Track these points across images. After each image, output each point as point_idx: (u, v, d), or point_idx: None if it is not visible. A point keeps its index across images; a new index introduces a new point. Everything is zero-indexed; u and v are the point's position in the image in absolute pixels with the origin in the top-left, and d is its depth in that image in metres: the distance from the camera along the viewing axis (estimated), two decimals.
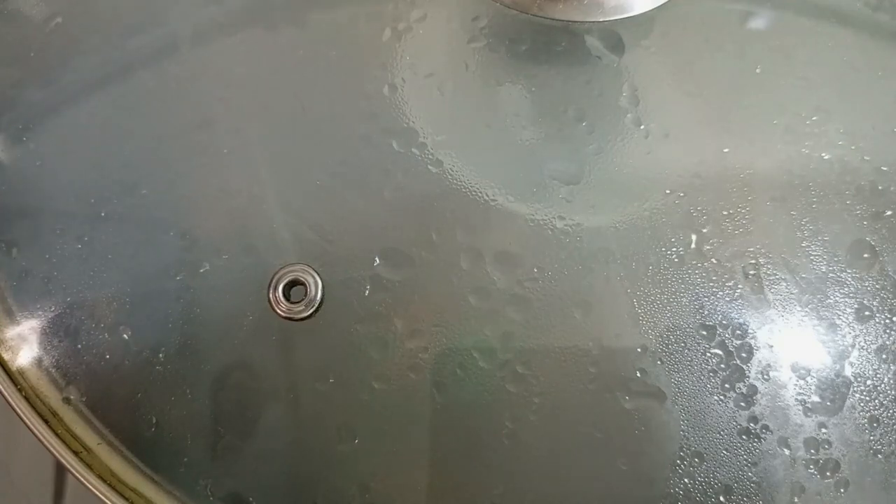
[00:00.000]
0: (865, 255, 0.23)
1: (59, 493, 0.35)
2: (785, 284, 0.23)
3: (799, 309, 0.23)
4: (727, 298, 0.23)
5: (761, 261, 0.23)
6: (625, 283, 0.23)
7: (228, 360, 0.23)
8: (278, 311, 0.22)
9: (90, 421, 0.23)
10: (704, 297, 0.23)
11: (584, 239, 0.23)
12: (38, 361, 0.23)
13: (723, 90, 0.25)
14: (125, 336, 0.23)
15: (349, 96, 0.24)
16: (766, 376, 0.22)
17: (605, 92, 0.24)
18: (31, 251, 0.24)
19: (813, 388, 0.22)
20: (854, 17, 0.26)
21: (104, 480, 0.23)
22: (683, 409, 0.22)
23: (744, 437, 0.22)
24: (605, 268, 0.23)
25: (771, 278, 0.23)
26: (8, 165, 0.25)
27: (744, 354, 0.22)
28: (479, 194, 0.23)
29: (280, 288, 0.22)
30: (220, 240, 0.23)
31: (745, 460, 0.22)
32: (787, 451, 0.22)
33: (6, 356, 0.24)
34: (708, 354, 0.22)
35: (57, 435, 0.23)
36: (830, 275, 0.23)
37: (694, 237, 0.23)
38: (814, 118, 0.24)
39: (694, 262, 0.23)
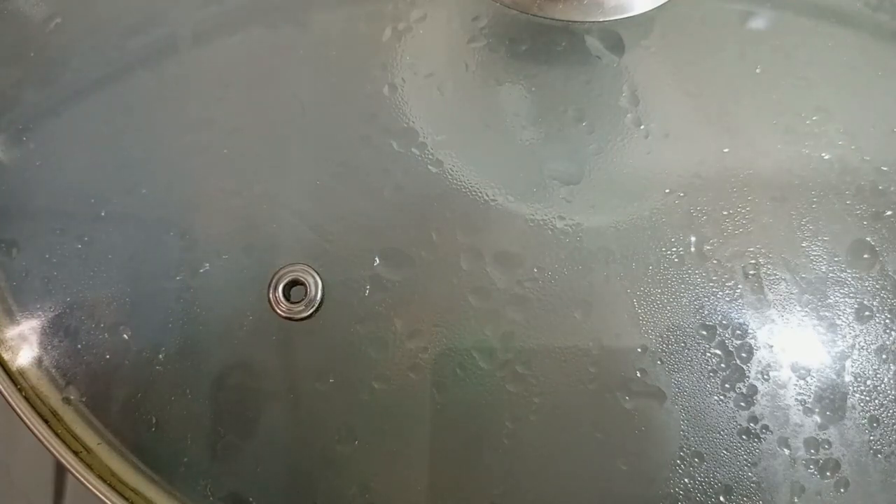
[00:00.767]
0: (865, 255, 0.23)
1: (59, 493, 0.35)
2: (785, 284, 0.23)
3: (799, 309, 0.23)
4: (727, 298, 0.23)
5: (761, 261, 0.23)
6: (625, 283, 0.23)
7: (228, 360, 0.23)
8: (278, 311, 0.22)
9: (90, 421, 0.23)
10: (704, 297, 0.23)
11: (584, 239, 0.23)
12: (38, 361, 0.23)
13: (723, 90, 0.25)
14: (125, 336, 0.23)
15: (349, 96, 0.24)
16: (765, 376, 0.22)
17: (605, 92, 0.24)
18: (31, 251, 0.24)
19: (813, 388, 0.22)
20: (854, 17, 0.26)
21: (104, 480, 0.23)
22: (683, 409, 0.22)
23: (744, 437, 0.22)
24: (605, 268, 0.23)
25: (771, 278, 0.23)
26: (8, 165, 0.25)
27: (744, 354, 0.22)
28: (479, 194, 0.23)
29: (280, 288, 0.22)
30: (220, 240, 0.23)
31: (745, 460, 0.22)
32: (787, 451, 0.22)
33: (6, 356, 0.24)
34: (708, 354, 0.22)
35: (57, 435, 0.23)
36: (830, 275, 0.23)
37: (694, 237, 0.23)
38: (814, 118, 0.24)
39: (694, 262, 0.23)
